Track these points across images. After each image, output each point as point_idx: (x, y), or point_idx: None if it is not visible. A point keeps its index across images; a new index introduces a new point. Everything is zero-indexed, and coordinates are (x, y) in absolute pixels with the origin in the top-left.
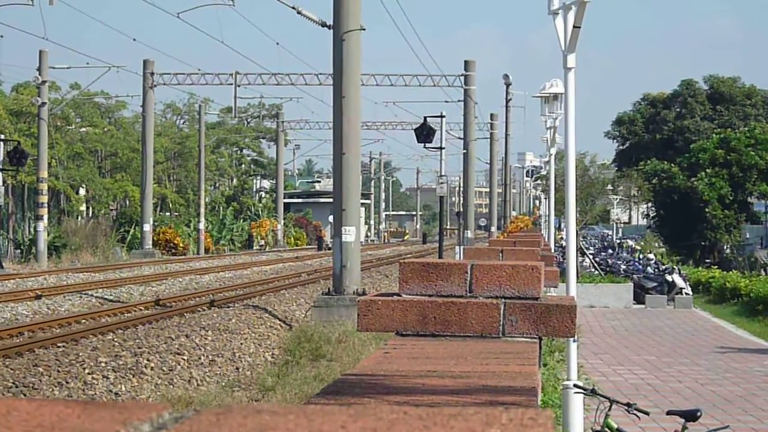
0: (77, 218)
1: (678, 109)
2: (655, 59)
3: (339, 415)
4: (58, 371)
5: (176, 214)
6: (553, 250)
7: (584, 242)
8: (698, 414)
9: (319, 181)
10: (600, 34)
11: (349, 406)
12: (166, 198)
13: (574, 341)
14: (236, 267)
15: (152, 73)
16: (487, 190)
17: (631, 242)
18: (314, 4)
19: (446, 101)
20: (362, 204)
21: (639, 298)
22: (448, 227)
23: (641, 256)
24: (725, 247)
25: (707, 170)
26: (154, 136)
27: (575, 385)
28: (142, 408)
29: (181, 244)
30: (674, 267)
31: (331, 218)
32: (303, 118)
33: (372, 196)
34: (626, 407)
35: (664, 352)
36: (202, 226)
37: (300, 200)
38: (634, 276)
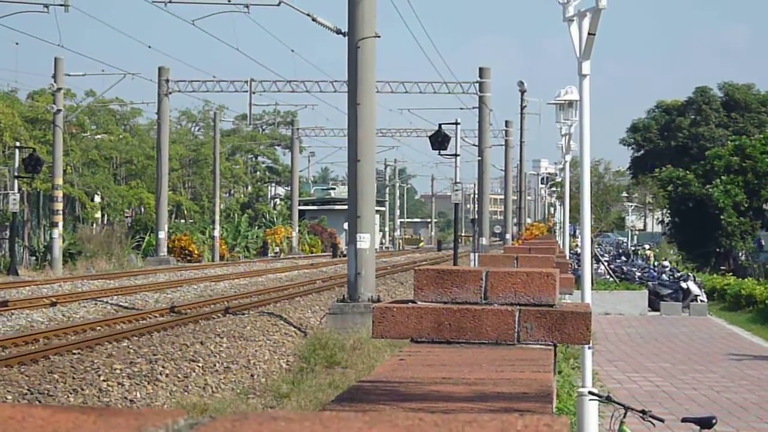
0: (92, 225)
1: (693, 117)
2: (668, 67)
3: (355, 421)
4: (74, 378)
5: (191, 221)
6: (568, 257)
7: (599, 249)
8: (713, 421)
9: (334, 188)
10: (614, 41)
11: (365, 412)
12: (181, 205)
13: (589, 348)
14: (251, 274)
15: (167, 80)
16: (502, 197)
17: (647, 247)
18: (329, 12)
19: (461, 108)
20: (377, 211)
21: (654, 305)
22: (463, 234)
23: (656, 263)
24: (740, 255)
25: (722, 177)
26: (169, 143)
27: (590, 392)
28: (157, 414)
29: (196, 251)
30: (689, 274)
31: (345, 225)
32: (318, 126)
33: (387, 203)
34: (641, 414)
35: (679, 360)
36: (217, 233)
37: (315, 207)
38: (649, 283)
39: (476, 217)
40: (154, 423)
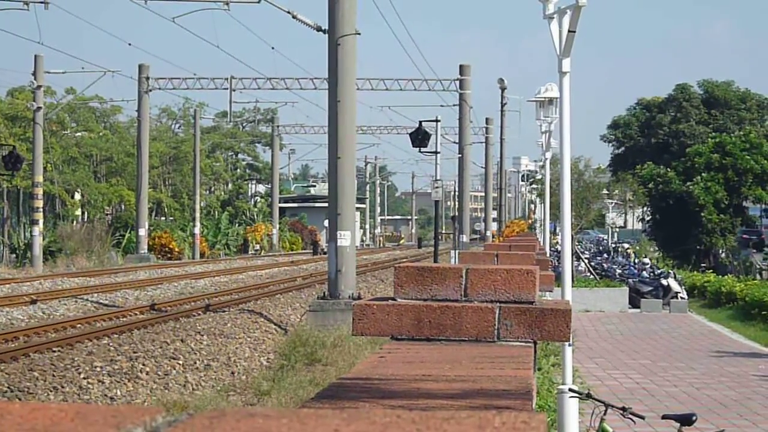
0: (72, 223)
1: (673, 114)
2: (649, 64)
3: (332, 418)
4: (54, 376)
5: (171, 218)
6: (548, 255)
7: (579, 246)
8: (693, 418)
9: (315, 186)
10: (595, 38)
11: (343, 410)
12: (162, 202)
13: (569, 345)
14: (231, 271)
15: (147, 78)
16: (483, 194)
17: (626, 246)
18: (309, 9)
19: (441, 105)
20: (357, 208)
21: (634, 302)
22: (443, 231)
23: (636, 261)
24: (720, 252)
25: (702, 174)
26: (150, 141)
27: (570, 389)
28: (135, 411)
29: (176, 249)
30: (669, 271)
31: (326, 222)
32: (298, 123)
33: (367, 200)
34: (621, 411)
35: (659, 357)
36: (197, 230)
37: (295, 205)
38: (630, 280)
39: (456, 214)
40: (133, 420)
